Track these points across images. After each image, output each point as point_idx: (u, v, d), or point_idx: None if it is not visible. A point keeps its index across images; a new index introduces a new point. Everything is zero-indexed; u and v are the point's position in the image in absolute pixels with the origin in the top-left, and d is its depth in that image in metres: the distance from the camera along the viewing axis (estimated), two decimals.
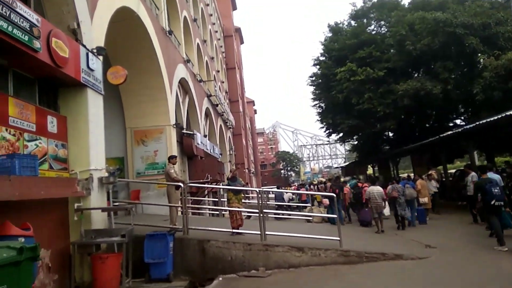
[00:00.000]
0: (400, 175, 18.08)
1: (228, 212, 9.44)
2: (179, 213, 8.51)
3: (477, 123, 12.94)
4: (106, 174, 7.69)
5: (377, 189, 11.44)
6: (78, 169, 7.10)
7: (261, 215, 7.97)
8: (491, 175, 9.19)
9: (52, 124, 6.72)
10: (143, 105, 13.26)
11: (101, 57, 7.97)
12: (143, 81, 12.93)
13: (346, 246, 7.73)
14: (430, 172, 14.27)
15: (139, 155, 13.26)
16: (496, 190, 7.99)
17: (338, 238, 7.74)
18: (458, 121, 23.73)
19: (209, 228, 8.34)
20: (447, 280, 6.08)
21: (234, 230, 8.41)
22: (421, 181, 13.70)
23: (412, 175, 17.39)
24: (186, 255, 7.61)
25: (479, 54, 16.79)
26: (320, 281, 6.45)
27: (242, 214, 9.10)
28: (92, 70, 7.49)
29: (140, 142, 13.39)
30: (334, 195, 9.00)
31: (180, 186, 8.15)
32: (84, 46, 7.30)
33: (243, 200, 9.52)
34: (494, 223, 8.09)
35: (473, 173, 11.87)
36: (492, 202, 7.93)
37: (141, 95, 13.16)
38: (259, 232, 7.84)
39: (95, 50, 7.69)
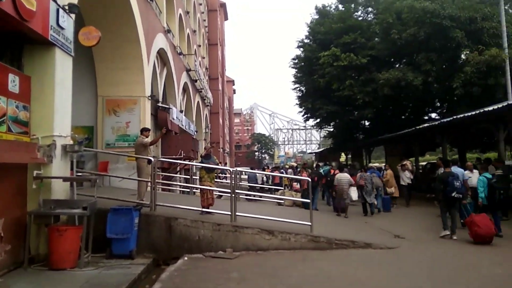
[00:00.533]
0: (370, 164, 18.05)
1: (199, 191, 9.10)
2: (148, 188, 8.12)
3: (455, 117, 13.04)
4: (71, 142, 7.21)
5: (344, 176, 11.98)
6: (40, 134, 6.58)
7: (233, 195, 7.71)
8: (455, 169, 9.64)
9: (13, 83, 6.14)
10: (117, 73, 12.61)
11: (73, 15, 7.36)
12: (119, 47, 12.26)
13: (316, 231, 7.61)
14: (404, 162, 14.23)
15: (110, 126, 12.69)
16: (457, 184, 8.45)
17: (310, 223, 7.61)
18: (433, 115, 24.05)
19: (178, 206, 8.02)
20: (415, 270, 6.05)
21: (203, 209, 8.12)
22: (389, 171, 14.23)
23: (384, 165, 17.62)
24: (151, 232, 7.29)
25: (463, 48, 16.81)
26: (288, 265, 6.29)
27: (214, 193, 8.80)
28: (62, 28, 6.90)
29: (112, 111, 12.79)
30: (310, 180, 8.80)
31: (151, 160, 7.76)
32: (55, 1, 6.68)
33: (215, 180, 9.19)
34: (443, 213, 8.79)
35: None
36: (453, 194, 8.39)
37: (115, 62, 12.50)
38: (229, 213, 7.60)
39: (66, 7, 7.07)
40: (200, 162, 9.05)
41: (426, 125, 16.45)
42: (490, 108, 11.83)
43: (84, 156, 12.49)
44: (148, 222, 7.31)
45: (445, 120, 13.59)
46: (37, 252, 6.33)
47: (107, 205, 7.12)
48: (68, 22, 7.13)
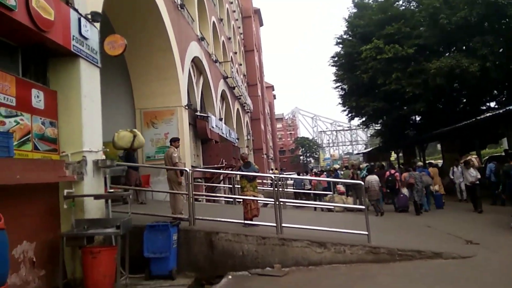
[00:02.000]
0: (419, 163, 16.53)
1: (242, 201, 8.44)
2: (185, 201, 7.59)
3: None
4: (103, 157, 6.83)
5: (374, 178, 12.42)
6: (70, 151, 6.24)
7: (277, 203, 6.98)
8: None
9: (37, 98, 5.84)
10: (152, 84, 12.43)
11: (97, 25, 7.03)
12: (152, 58, 12.10)
13: (375, 241, 6.70)
14: (468, 158, 12.21)
15: (149, 138, 12.47)
16: None
17: (366, 233, 6.71)
18: (492, 104, 21.96)
19: (218, 219, 7.41)
20: (502, 286, 5.00)
21: (246, 222, 7.45)
22: (433, 169, 14.70)
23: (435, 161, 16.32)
24: (192, 249, 6.72)
25: None
26: (345, 284, 5.46)
27: (258, 203, 8.12)
28: (85, 38, 6.56)
29: (150, 124, 12.60)
30: (363, 183, 7.93)
31: (184, 171, 7.22)
32: (76, 9, 6.36)
33: (257, 188, 8.52)
34: None
35: None
36: None
37: (150, 74, 12.32)
38: (274, 224, 6.88)
39: (89, 16, 6.75)
40: (240, 171, 8.41)
41: (488, 114, 14.82)
42: None
43: (126, 170, 12.33)
44: (188, 238, 6.75)
45: (510, 107, 12.05)
46: (74, 276, 5.95)
47: (144, 222, 6.65)
48: (92, 31, 6.79)
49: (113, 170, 11.18)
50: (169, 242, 6.25)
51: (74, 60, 6.41)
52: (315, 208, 13.72)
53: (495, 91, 20.74)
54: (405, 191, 12.78)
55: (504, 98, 19.79)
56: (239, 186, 8.97)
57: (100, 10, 7.29)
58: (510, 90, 18.98)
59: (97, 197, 6.23)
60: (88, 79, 6.69)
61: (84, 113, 6.42)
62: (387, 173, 13.47)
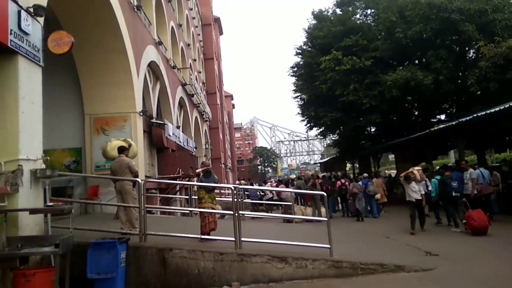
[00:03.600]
0: (365, 174, 17.22)
1: (199, 214, 7.91)
2: (136, 214, 6.98)
3: (474, 115, 11.92)
4: (43, 166, 6.11)
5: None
6: (3, 159, 5.51)
7: (237, 215, 6.57)
8: (453, 173, 11.09)
9: None
10: (104, 88, 11.63)
11: (40, 19, 6.36)
12: (105, 60, 11.32)
13: (337, 254, 6.46)
14: (409, 171, 10.26)
15: (99, 146, 11.60)
16: (454, 184, 10.18)
17: (328, 246, 6.47)
18: (442, 117, 22.92)
19: (172, 234, 6.85)
20: None
21: (203, 236, 6.98)
22: (376, 179, 15.27)
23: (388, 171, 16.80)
24: (142, 267, 6.13)
25: (475, 43, 15.73)
26: None
27: (216, 215, 7.65)
28: (26, 33, 5.89)
29: (100, 131, 11.76)
30: (325, 194, 7.72)
31: (136, 182, 6.64)
32: (15, 1, 5.68)
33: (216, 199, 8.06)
34: (450, 211, 10.39)
35: (471, 170, 10.90)
36: (453, 194, 10.12)
37: (102, 77, 11.53)
38: (233, 238, 6.45)
39: (31, 9, 6.07)
40: (199, 181, 7.91)
41: (441, 126, 15.30)
42: None
43: (73, 180, 11.43)
44: (138, 255, 6.16)
45: (463, 119, 12.45)
46: None
47: (88, 239, 5.99)
48: (34, 26, 6.12)
49: (58, 181, 10.43)
50: (116, 261, 5.63)
51: (12, 57, 5.70)
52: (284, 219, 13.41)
53: (446, 105, 21.66)
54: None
55: (454, 111, 20.66)
56: (196, 197, 8.48)
57: (44, 4, 6.61)
58: (459, 103, 19.86)
59: (33, 211, 5.52)
60: (28, 79, 5.99)
61: (21, 116, 5.71)
62: (339, 182, 14.94)
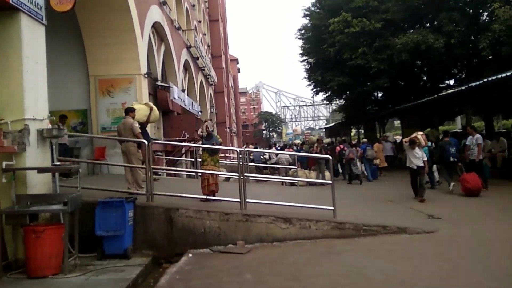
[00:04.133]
0: (364, 140, 17.51)
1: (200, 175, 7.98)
2: (143, 175, 7.07)
3: (484, 80, 11.68)
4: (49, 126, 6.13)
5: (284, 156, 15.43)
6: (9, 118, 5.51)
7: (242, 178, 6.63)
8: (451, 138, 11.35)
9: None
10: (108, 49, 11.50)
11: None
12: (107, 19, 11.15)
13: (340, 216, 6.55)
14: (413, 136, 9.86)
15: (105, 108, 11.67)
16: (452, 150, 10.60)
17: (332, 208, 6.55)
18: (451, 82, 22.51)
19: (178, 194, 6.96)
20: (466, 261, 4.97)
21: (209, 197, 7.07)
22: (377, 144, 15.67)
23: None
24: (149, 226, 6.27)
25: (489, 4, 15.10)
26: (311, 261, 5.25)
27: (219, 177, 7.71)
28: None
29: (105, 92, 11.75)
30: (330, 157, 7.75)
31: (143, 143, 6.66)
32: None
33: (220, 161, 8.08)
34: (447, 174, 10.84)
35: (477, 135, 10.81)
36: (450, 159, 10.61)
37: (106, 37, 11.38)
38: (238, 200, 6.54)
39: None
40: (201, 143, 7.93)
41: (450, 91, 15.06)
42: None
43: (80, 142, 11.56)
44: (145, 214, 6.29)
45: (472, 84, 12.21)
46: (15, 257, 5.36)
47: (96, 198, 6.10)
48: None
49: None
50: (124, 219, 5.77)
51: (14, 14, 5.57)
52: (283, 183, 13.59)
53: (455, 69, 21.21)
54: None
55: (463, 76, 20.26)
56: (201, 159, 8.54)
57: None
58: (470, 68, 19.43)
59: (41, 170, 5.59)
60: (31, 38, 5.88)
61: (26, 76, 5.66)
62: (338, 148, 15.27)
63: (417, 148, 9.51)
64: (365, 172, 14.60)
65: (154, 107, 10.06)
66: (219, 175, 7.90)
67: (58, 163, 6.04)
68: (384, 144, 16.05)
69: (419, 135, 9.92)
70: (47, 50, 6.23)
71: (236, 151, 7.21)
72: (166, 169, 11.97)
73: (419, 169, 9.46)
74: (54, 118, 6.33)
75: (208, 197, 6.99)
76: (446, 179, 10.81)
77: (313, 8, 23.82)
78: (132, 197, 6.18)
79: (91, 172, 11.26)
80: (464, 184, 9.81)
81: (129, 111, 7.79)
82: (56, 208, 5.16)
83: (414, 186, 9.69)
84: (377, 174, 15.07)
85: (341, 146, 15.47)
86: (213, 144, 7.72)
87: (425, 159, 9.61)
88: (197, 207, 6.53)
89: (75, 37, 11.44)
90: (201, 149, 8.94)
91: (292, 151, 18.15)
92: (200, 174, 10.89)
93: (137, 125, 7.58)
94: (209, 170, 7.39)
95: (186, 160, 16.86)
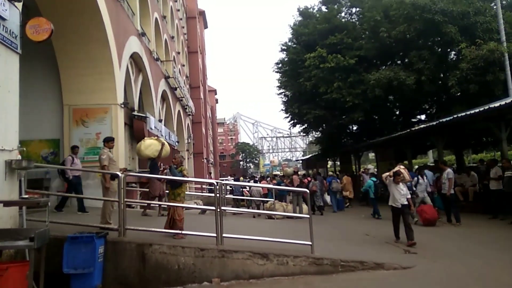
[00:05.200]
0: (330, 173, 18.65)
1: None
2: (115, 208, 6.84)
3: (454, 116, 12.15)
4: (19, 157, 5.91)
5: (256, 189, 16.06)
6: None
7: (218, 211, 6.48)
8: (411, 173, 11.83)
9: None
10: (84, 79, 11.37)
11: (18, 5, 6.13)
12: (86, 50, 11.07)
13: (317, 251, 6.47)
14: (396, 169, 8.83)
15: (78, 138, 11.38)
16: (409, 184, 10.59)
17: (310, 243, 6.46)
18: (422, 117, 23.31)
19: (152, 229, 6.74)
20: None
21: (184, 232, 6.82)
22: (346, 177, 17.05)
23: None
24: (120, 263, 5.99)
25: (457, 44, 15.96)
26: None
27: (180, 214, 7.19)
28: (3, 19, 5.67)
29: (79, 122, 11.51)
30: (307, 190, 7.73)
31: (116, 176, 6.48)
32: None
33: (184, 195, 7.46)
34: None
35: (448, 170, 11.11)
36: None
37: (82, 67, 11.26)
38: (214, 234, 6.38)
39: None
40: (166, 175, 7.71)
41: (422, 126, 15.54)
42: (493, 105, 10.97)
43: (50, 172, 11.17)
44: (116, 250, 6.01)
45: (443, 120, 12.66)
46: None
47: (65, 232, 5.82)
48: (11, 12, 5.89)
49: (35, 172, 10.16)
50: (93, 256, 5.49)
51: None
52: (254, 215, 13.48)
53: (426, 105, 22.02)
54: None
55: (434, 111, 21.03)
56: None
57: None
58: (440, 104, 20.22)
59: (7, 203, 5.32)
60: (4, 66, 5.77)
61: None
62: (305, 180, 15.49)
63: (401, 183, 8.51)
64: (329, 203, 15.87)
65: (166, 142, 10.39)
66: (189, 209, 7.62)
67: (26, 196, 5.77)
68: (364, 177, 16.25)
69: (402, 168, 8.96)
70: (21, 78, 6.10)
71: (214, 183, 7.06)
72: (139, 202, 11.64)
73: (404, 207, 8.39)
74: (24, 149, 6.09)
75: (183, 232, 6.76)
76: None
77: (290, 43, 24.53)
78: (103, 232, 5.93)
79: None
80: (423, 215, 10.68)
81: (105, 141, 7.63)
82: (21, 244, 4.86)
83: (396, 227, 8.59)
84: (343, 205, 16.04)
85: (308, 178, 16.00)
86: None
87: (409, 196, 8.60)
88: (172, 242, 6.32)
89: (50, 65, 11.28)
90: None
91: (266, 183, 18.11)
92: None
93: (104, 156, 7.41)
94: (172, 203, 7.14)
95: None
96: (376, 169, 21.49)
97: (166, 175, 7.90)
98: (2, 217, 5.45)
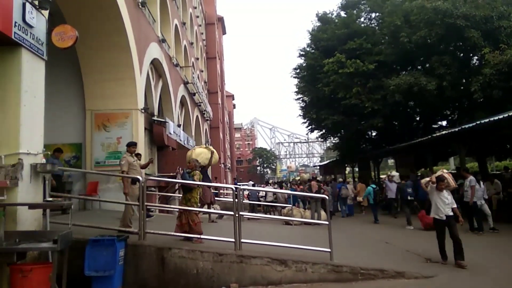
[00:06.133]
0: (340, 179, 18.89)
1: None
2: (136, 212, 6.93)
3: (477, 122, 11.87)
4: (43, 160, 6.06)
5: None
6: (3, 152, 5.45)
7: (237, 216, 6.49)
8: (409, 182, 13.54)
9: None
10: (106, 84, 11.58)
11: (45, 12, 6.30)
12: (108, 56, 11.29)
13: (336, 258, 6.39)
14: (439, 173, 7.66)
15: (100, 142, 11.59)
16: (409, 190, 13.02)
17: (329, 250, 6.40)
18: (444, 123, 22.88)
19: (171, 233, 6.80)
20: None
21: (202, 237, 6.82)
22: (360, 184, 17.29)
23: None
24: (140, 266, 6.06)
25: (479, 49, 15.65)
26: None
27: (194, 218, 7.05)
28: (30, 26, 5.82)
29: (101, 127, 11.71)
30: (326, 197, 7.65)
31: (137, 179, 6.56)
32: None
33: (196, 200, 7.32)
34: (406, 211, 12.63)
35: (471, 177, 10.84)
36: (408, 198, 12.93)
37: (104, 73, 11.48)
38: (232, 239, 6.38)
39: (36, 2, 6.01)
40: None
41: (443, 132, 15.24)
42: None
43: (72, 176, 11.40)
44: (136, 254, 6.09)
45: (466, 126, 12.39)
46: None
47: (87, 235, 5.93)
48: (38, 19, 6.06)
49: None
50: (114, 259, 5.58)
51: (15, 49, 5.64)
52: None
53: (448, 111, 21.62)
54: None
55: (456, 117, 20.62)
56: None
57: None
58: (462, 110, 19.82)
59: (32, 206, 5.45)
60: (31, 72, 5.93)
61: (23, 110, 5.65)
62: (316, 186, 15.40)
63: (445, 191, 7.34)
64: (339, 209, 16.60)
65: (215, 150, 10.85)
66: (206, 213, 7.59)
67: (50, 199, 5.90)
68: (388, 184, 14.87)
69: (446, 173, 7.73)
70: (46, 83, 6.27)
71: (232, 188, 7.08)
72: (160, 206, 11.76)
73: (449, 219, 7.17)
74: (49, 152, 6.24)
75: (202, 237, 6.79)
76: (406, 215, 12.49)
77: (308, 49, 24.50)
78: (123, 235, 6.01)
79: (82, 208, 11.03)
80: (424, 220, 11.29)
81: (127, 145, 7.75)
82: (45, 246, 4.98)
83: (441, 244, 7.25)
84: (353, 211, 16.60)
85: (321, 184, 16.20)
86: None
87: (455, 206, 7.34)
88: (191, 246, 6.36)
89: (73, 71, 11.55)
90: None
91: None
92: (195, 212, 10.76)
93: (123, 162, 7.50)
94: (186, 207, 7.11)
95: (179, 196, 16.63)
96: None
97: (178, 177, 7.96)
98: (27, 219, 5.58)
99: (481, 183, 11.06)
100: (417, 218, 12.03)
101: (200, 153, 10.25)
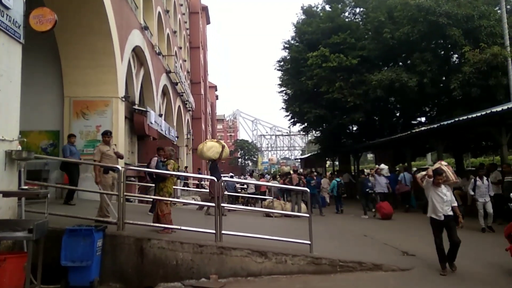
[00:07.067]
0: (315, 173, 19.30)
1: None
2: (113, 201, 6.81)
3: (456, 119, 12.12)
4: (19, 148, 5.87)
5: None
6: None
7: (218, 208, 6.45)
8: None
9: None
10: (86, 71, 11.32)
11: None
12: (88, 42, 11.01)
13: (316, 250, 6.45)
14: (437, 166, 6.72)
15: (78, 130, 11.31)
16: (369, 184, 14.15)
17: (309, 242, 6.44)
18: (423, 119, 23.32)
19: (151, 224, 6.72)
20: None
21: (183, 227, 6.74)
22: (325, 179, 17.90)
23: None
24: (118, 256, 5.97)
25: (460, 48, 15.96)
26: None
27: (164, 210, 7.00)
28: (6, 8, 5.62)
29: (80, 114, 11.46)
30: (307, 190, 7.64)
31: (110, 168, 6.43)
32: None
33: (169, 190, 7.17)
34: (364, 203, 14.14)
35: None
36: (368, 191, 14.04)
37: (84, 59, 11.20)
38: (213, 231, 6.35)
39: None
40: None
41: (422, 128, 15.52)
42: (495, 110, 10.95)
43: (49, 164, 11.11)
44: (115, 244, 5.99)
45: (444, 123, 12.65)
46: None
47: (64, 225, 5.79)
48: (15, 1, 5.84)
49: (34, 163, 10.11)
50: (92, 249, 5.47)
51: None
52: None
53: (427, 107, 22.02)
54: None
55: (435, 114, 21.02)
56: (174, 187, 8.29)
57: None
58: (441, 107, 20.21)
59: (6, 194, 5.29)
60: (7, 56, 5.72)
61: None
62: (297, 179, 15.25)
63: (443, 186, 6.36)
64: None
65: (225, 144, 11.02)
66: (186, 204, 7.52)
67: (26, 187, 5.73)
68: (377, 178, 14.45)
69: (444, 165, 6.73)
70: (22, 67, 6.06)
71: (213, 179, 7.02)
72: (139, 196, 11.61)
73: (448, 219, 6.25)
74: (25, 139, 6.04)
75: (183, 228, 6.70)
76: (363, 206, 13.97)
77: (292, 42, 24.47)
78: (102, 225, 5.90)
79: (59, 196, 10.78)
80: (381, 210, 12.82)
81: (102, 134, 7.61)
82: (20, 235, 4.84)
83: (440, 248, 6.29)
84: (325, 203, 17.15)
85: (301, 176, 16.28)
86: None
87: (455, 204, 6.40)
88: (170, 237, 6.30)
89: (52, 56, 11.22)
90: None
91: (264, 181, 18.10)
92: (174, 203, 10.67)
93: (95, 151, 7.39)
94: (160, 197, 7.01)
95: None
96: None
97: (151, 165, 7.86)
98: (1, 207, 5.43)
99: (484, 178, 10.07)
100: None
101: (211, 146, 10.52)
